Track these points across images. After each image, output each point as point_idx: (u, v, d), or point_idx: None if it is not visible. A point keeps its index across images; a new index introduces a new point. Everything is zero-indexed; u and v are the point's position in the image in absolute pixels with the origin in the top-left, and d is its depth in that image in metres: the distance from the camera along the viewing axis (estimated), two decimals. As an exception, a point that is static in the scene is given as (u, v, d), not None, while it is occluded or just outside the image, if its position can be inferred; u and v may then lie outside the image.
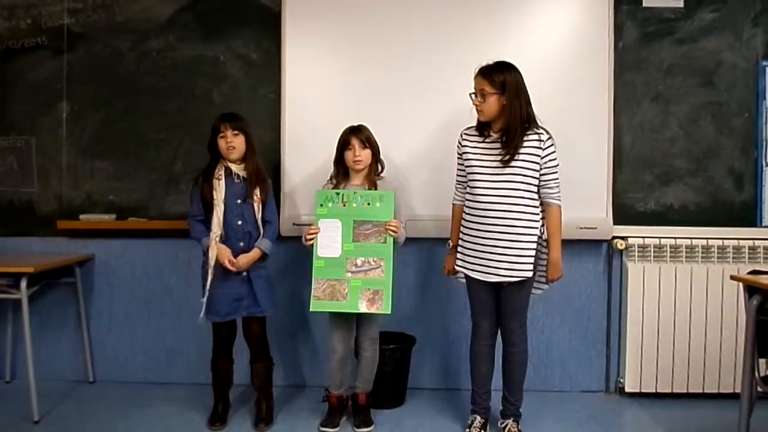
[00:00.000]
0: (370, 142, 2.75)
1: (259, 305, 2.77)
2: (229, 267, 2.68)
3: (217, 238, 2.70)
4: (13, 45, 3.36)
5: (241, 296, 2.75)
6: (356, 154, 2.72)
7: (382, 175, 2.83)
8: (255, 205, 2.75)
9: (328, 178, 2.84)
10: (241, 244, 2.74)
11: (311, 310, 2.69)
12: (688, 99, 3.22)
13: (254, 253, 2.74)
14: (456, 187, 2.76)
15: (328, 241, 2.68)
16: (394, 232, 2.66)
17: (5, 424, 2.84)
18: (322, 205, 2.70)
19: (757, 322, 2.34)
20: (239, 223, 2.75)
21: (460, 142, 2.68)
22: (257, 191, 2.76)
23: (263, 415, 2.85)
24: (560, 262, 2.61)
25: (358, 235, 2.68)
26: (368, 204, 2.69)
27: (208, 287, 2.69)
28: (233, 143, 2.73)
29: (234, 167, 2.76)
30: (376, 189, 2.75)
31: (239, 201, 2.75)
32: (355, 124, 2.79)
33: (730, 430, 2.48)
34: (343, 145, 2.75)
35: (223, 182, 2.73)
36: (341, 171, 2.80)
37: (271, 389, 2.92)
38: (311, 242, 2.69)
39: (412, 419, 2.95)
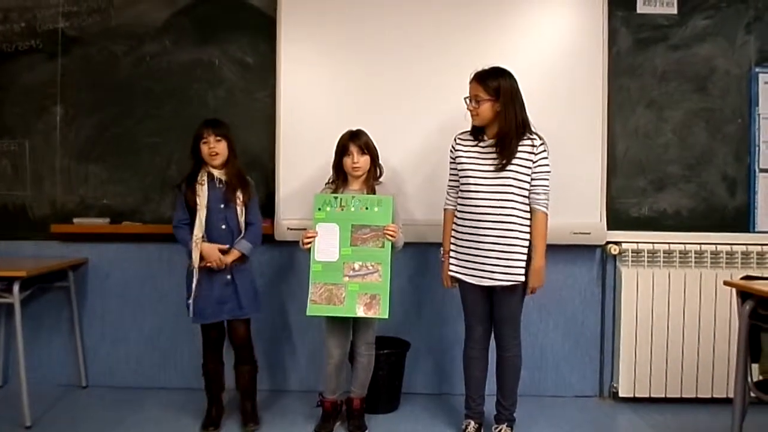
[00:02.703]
0: (368, 148, 2.75)
1: (242, 308, 2.78)
2: (219, 264, 2.70)
3: (199, 240, 2.71)
4: (7, 48, 3.34)
5: (224, 299, 2.76)
6: (354, 160, 2.71)
7: (380, 180, 2.83)
8: (238, 208, 2.77)
9: (327, 182, 2.84)
10: (227, 247, 2.75)
11: (308, 314, 2.68)
12: (682, 105, 3.24)
13: (231, 254, 2.74)
14: (448, 192, 2.76)
15: (326, 245, 2.67)
16: (392, 236, 2.66)
17: (-3, 429, 2.84)
18: (320, 209, 2.70)
19: (749, 327, 2.35)
20: (223, 227, 2.76)
21: (453, 147, 2.69)
22: (239, 194, 2.77)
23: (249, 416, 2.86)
24: (543, 271, 2.59)
25: (356, 239, 2.68)
26: (366, 208, 2.68)
27: (193, 289, 2.70)
28: (216, 149, 2.74)
29: (216, 172, 2.77)
30: (374, 194, 2.75)
31: (222, 205, 2.76)
32: (354, 128, 2.78)
33: (724, 435, 2.49)
34: (342, 150, 2.75)
35: (205, 187, 2.74)
36: (340, 176, 2.80)
37: (255, 391, 2.92)
38: (309, 246, 2.69)
39: (406, 424, 2.95)
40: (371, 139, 2.77)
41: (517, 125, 2.51)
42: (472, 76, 2.57)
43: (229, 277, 2.76)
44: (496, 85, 2.50)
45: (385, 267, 2.66)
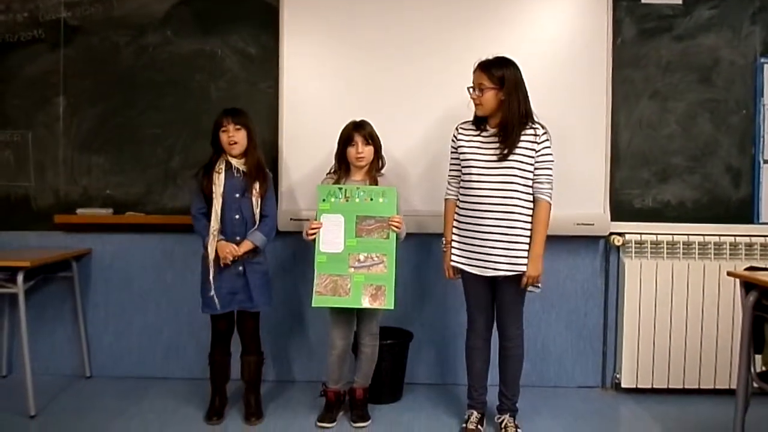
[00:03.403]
0: (372, 139, 2.74)
1: (252, 301, 2.77)
2: (229, 259, 2.68)
3: (216, 232, 2.70)
4: (10, 38, 3.33)
5: (235, 290, 2.75)
6: (359, 150, 2.71)
7: (382, 171, 2.82)
8: (254, 199, 2.75)
9: (328, 172, 2.83)
10: (238, 238, 2.74)
11: (313, 305, 2.69)
12: (686, 96, 3.23)
13: (244, 245, 2.73)
14: (449, 182, 2.74)
15: (331, 236, 2.67)
16: (397, 227, 2.66)
17: (2, 418, 2.84)
18: (324, 200, 2.69)
19: (753, 318, 2.35)
20: (237, 217, 2.75)
21: (455, 137, 2.68)
22: (256, 185, 2.76)
23: (253, 409, 2.86)
24: (540, 259, 2.56)
25: (360, 230, 2.67)
26: (371, 199, 2.68)
27: (212, 282, 2.70)
28: (235, 138, 2.73)
29: (234, 161, 2.76)
30: (377, 185, 2.75)
31: (237, 195, 2.74)
32: (358, 119, 2.77)
33: (726, 426, 2.48)
34: (346, 140, 2.74)
35: (222, 176, 2.73)
36: (343, 166, 2.79)
37: (259, 383, 2.92)
38: (313, 237, 2.68)
39: (409, 414, 2.96)
40: (375, 130, 2.76)
41: (520, 115, 2.50)
42: (477, 64, 2.55)
43: (240, 268, 2.75)
44: (500, 74, 2.49)
45: (390, 258, 2.66)
